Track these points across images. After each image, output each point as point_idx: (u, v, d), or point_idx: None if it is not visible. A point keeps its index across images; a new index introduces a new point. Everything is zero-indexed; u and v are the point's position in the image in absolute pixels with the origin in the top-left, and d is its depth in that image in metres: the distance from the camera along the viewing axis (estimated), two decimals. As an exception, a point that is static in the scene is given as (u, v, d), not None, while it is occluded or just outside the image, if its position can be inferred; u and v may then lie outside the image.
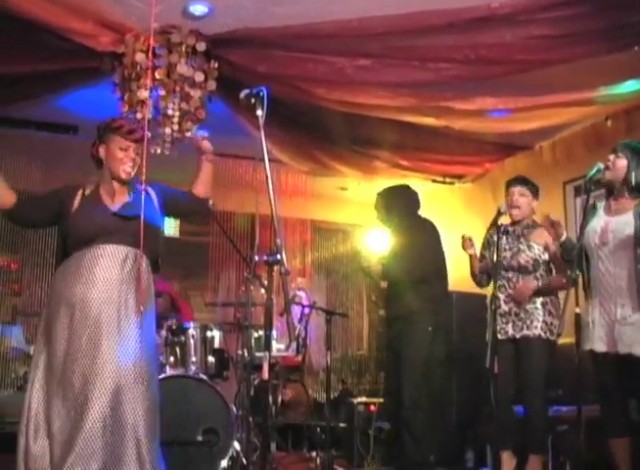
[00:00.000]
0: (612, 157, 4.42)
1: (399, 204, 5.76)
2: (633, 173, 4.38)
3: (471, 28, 5.00)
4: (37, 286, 8.49)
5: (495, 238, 5.09)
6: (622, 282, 4.29)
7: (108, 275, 3.62)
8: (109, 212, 3.76)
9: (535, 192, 5.34)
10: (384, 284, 5.66)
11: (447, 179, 8.58)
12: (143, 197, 3.73)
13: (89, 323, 3.52)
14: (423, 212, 5.88)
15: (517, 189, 5.30)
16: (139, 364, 3.54)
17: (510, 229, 5.30)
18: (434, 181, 8.44)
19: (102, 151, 3.86)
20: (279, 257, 2.97)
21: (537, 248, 5.18)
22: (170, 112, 5.51)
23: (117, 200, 3.83)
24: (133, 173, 3.85)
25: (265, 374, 3.19)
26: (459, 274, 6.22)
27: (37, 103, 6.38)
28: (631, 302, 4.24)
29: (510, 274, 5.19)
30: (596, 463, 4.63)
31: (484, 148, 7.56)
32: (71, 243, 3.73)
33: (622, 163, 4.40)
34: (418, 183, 6.00)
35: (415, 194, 5.86)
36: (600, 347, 4.35)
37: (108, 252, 3.66)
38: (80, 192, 3.85)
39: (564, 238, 4.68)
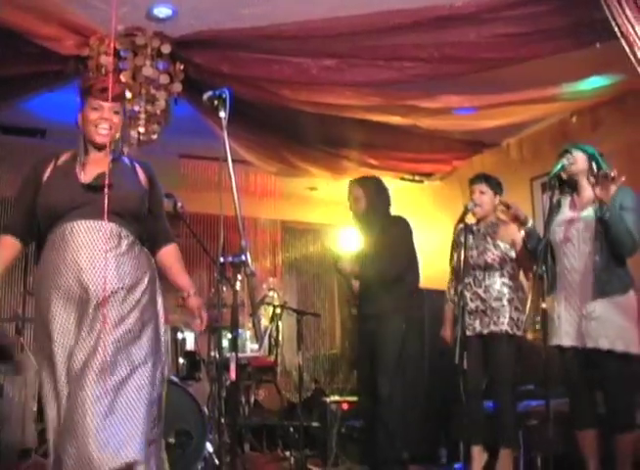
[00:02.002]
0: (569, 156, 4.49)
1: (381, 198, 5.67)
2: (594, 164, 4.48)
3: (435, 27, 5.03)
4: (7, 291, 8.41)
5: (462, 238, 5.12)
6: (586, 277, 4.36)
7: (88, 254, 3.21)
8: (77, 184, 3.34)
9: (497, 188, 5.38)
10: (356, 284, 5.63)
11: (416, 177, 8.63)
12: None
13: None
14: (393, 211, 5.87)
15: (477, 187, 5.34)
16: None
17: (475, 228, 5.34)
18: (402, 179, 8.48)
19: (79, 118, 3.46)
20: (244, 258, 2.97)
21: (503, 245, 5.22)
22: (136, 114, 5.50)
23: (91, 170, 3.38)
24: (111, 137, 3.43)
25: (232, 375, 3.19)
26: (430, 271, 6.25)
27: (3, 107, 6.34)
28: (594, 296, 4.31)
29: (477, 272, 5.23)
30: (566, 457, 4.67)
31: (452, 146, 7.60)
32: (43, 223, 3.38)
33: (581, 155, 4.50)
34: (387, 181, 6.01)
35: (388, 190, 5.81)
36: (567, 341, 4.42)
37: (82, 228, 3.25)
38: (52, 163, 3.48)
39: (530, 225, 4.74)
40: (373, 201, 5.58)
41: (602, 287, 4.29)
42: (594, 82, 5.74)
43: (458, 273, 5.24)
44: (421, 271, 5.73)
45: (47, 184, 3.40)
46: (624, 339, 4.24)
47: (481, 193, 5.32)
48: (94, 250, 3.22)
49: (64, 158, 3.49)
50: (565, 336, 4.43)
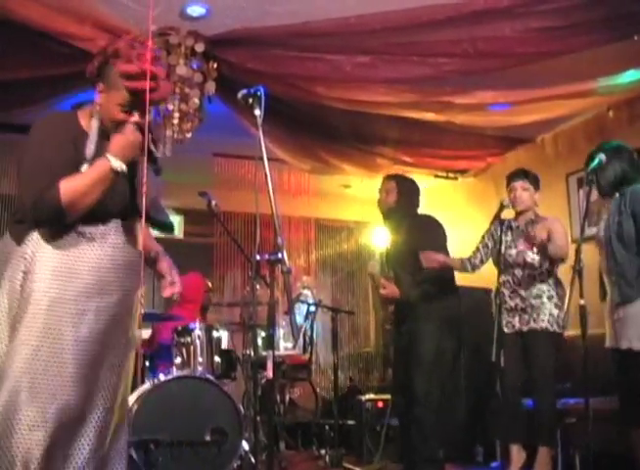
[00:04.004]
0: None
1: (411, 195, 5.59)
2: (601, 175, 4.49)
3: (469, 22, 4.99)
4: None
5: (499, 233, 5.08)
6: (612, 279, 4.37)
7: None
8: None
9: (536, 184, 5.35)
10: (391, 308, 5.56)
11: (450, 174, 8.59)
12: None
13: None
14: (427, 208, 5.81)
15: (519, 184, 5.31)
16: None
17: (513, 225, 5.30)
18: (437, 176, 8.45)
19: (101, 96, 3.04)
20: (280, 255, 2.96)
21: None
22: (170, 113, 5.52)
23: None
24: None
25: (270, 373, 3.18)
26: (464, 269, 6.22)
27: (38, 108, 6.38)
28: (613, 298, 4.37)
29: (515, 270, 5.19)
30: (605, 455, 4.63)
31: (486, 142, 7.56)
32: None
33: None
34: (421, 179, 5.99)
35: (420, 192, 5.76)
36: (608, 342, 4.43)
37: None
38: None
39: None
40: (403, 196, 5.53)
41: (621, 292, 4.30)
42: (631, 76, 5.67)
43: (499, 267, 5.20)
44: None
45: None
46: None
47: (524, 189, 5.29)
48: None
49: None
50: (608, 337, 4.44)
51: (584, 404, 4.12)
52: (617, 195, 4.43)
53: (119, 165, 2.79)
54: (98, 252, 2.86)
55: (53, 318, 2.71)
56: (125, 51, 2.91)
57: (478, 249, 5.49)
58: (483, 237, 5.47)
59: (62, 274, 2.77)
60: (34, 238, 2.80)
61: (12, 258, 2.80)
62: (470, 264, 5.45)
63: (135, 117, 2.90)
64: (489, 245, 5.40)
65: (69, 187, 2.71)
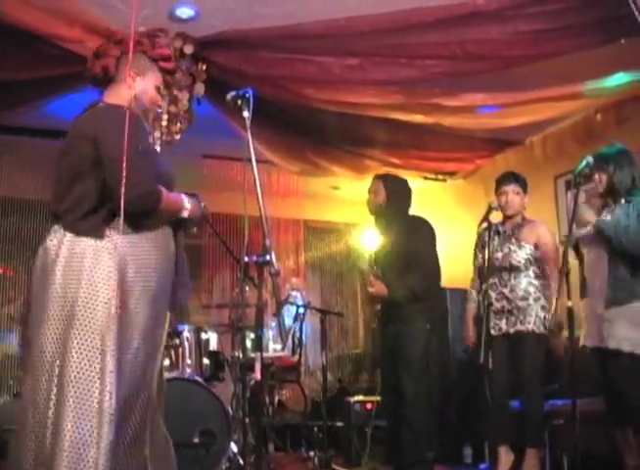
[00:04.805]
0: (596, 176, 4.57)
1: (400, 196, 5.55)
2: (615, 178, 4.47)
3: (458, 25, 5.00)
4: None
5: (487, 238, 5.09)
6: (602, 282, 4.43)
7: None
8: None
9: (525, 187, 5.36)
10: (377, 307, 5.58)
11: (439, 176, 8.59)
12: None
13: None
14: (416, 210, 5.81)
15: (510, 188, 5.30)
16: None
17: (500, 229, 5.30)
18: (425, 178, 8.45)
19: (138, 83, 3.21)
20: (268, 257, 2.97)
21: (528, 247, 5.19)
22: (159, 115, 5.51)
23: None
24: None
25: (258, 375, 3.19)
26: (453, 271, 6.23)
27: (28, 110, 6.37)
28: (605, 299, 4.41)
29: (502, 273, 5.20)
30: (593, 456, 4.64)
31: (475, 144, 7.56)
32: None
33: (603, 176, 4.55)
34: (410, 180, 5.98)
35: (411, 192, 5.74)
36: (589, 342, 4.47)
37: None
38: None
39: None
40: (391, 196, 5.49)
41: (615, 293, 4.36)
42: (619, 79, 5.68)
43: (483, 273, 5.20)
44: (444, 270, 5.69)
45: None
46: (631, 340, 4.27)
47: (516, 193, 5.29)
48: None
49: None
50: (588, 337, 4.51)
51: (572, 406, 4.14)
52: (623, 201, 4.46)
53: (186, 213, 3.14)
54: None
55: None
56: (148, 39, 3.21)
57: (474, 276, 5.46)
58: (475, 258, 5.43)
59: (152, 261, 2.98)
60: (118, 227, 2.85)
61: (93, 253, 2.86)
62: (476, 293, 5.38)
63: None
64: (479, 255, 5.37)
65: (165, 201, 2.98)
